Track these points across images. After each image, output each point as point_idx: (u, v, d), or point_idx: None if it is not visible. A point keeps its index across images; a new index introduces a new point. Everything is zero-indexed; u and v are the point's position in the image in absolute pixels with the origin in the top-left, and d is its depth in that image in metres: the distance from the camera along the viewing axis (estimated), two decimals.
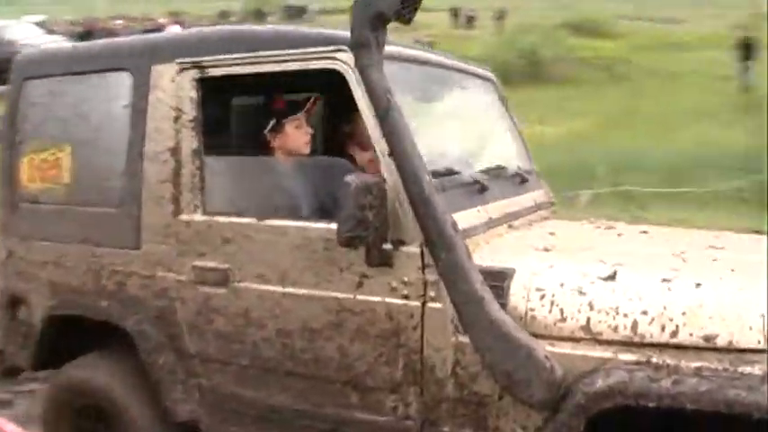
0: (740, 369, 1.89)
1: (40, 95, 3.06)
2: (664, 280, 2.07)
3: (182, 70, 2.67)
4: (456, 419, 2.26)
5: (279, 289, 2.45)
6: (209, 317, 2.60)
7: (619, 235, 2.80)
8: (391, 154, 2.23)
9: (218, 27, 2.86)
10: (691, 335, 1.96)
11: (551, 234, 2.70)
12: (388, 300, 2.30)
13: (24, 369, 3.20)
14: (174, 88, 2.67)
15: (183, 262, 2.63)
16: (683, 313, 1.99)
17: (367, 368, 2.35)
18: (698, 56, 22.67)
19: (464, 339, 2.17)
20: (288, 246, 2.42)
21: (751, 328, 1.92)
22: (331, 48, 2.39)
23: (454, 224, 2.14)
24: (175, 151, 2.65)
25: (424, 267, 2.23)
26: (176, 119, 2.66)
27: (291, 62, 2.47)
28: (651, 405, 1.92)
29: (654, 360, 1.99)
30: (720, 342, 1.94)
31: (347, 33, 2.30)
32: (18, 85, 3.14)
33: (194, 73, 2.64)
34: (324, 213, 2.58)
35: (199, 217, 2.61)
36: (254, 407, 2.58)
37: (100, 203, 2.83)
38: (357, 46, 2.27)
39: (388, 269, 2.27)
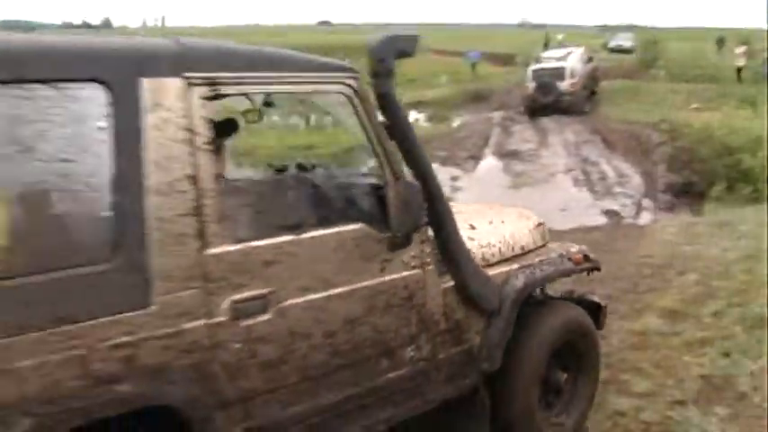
0: (525, 259, 3.61)
1: None
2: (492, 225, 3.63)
3: (190, 86, 2.37)
4: (445, 345, 3.15)
5: (321, 294, 2.65)
6: (253, 349, 2.47)
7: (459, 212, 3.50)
8: (408, 161, 2.94)
9: (230, 43, 2.68)
10: (519, 248, 3.63)
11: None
12: (404, 273, 2.94)
13: None
14: (183, 107, 2.34)
15: (216, 302, 2.38)
16: (509, 238, 3.60)
17: (393, 334, 2.92)
18: None
19: (446, 285, 3.15)
20: (326, 252, 2.67)
21: (530, 241, 3.74)
22: (343, 74, 2.78)
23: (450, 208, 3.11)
24: (194, 179, 2.34)
25: (423, 242, 2.99)
26: (190, 142, 2.34)
27: (306, 84, 2.74)
28: (539, 287, 3.78)
29: (524, 264, 3.55)
30: (527, 248, 3.68)
31: (349, 63, 2.85)
32: None
33: (205, 90, 2.41)
34: (345, 216, 2.93)
35: (229, 247, 2.41)
36: (302, 420, 2.65)
37: (73, 263, 2.12)
38: (382, 75, 2.87)
39: (402, 250, 2.91)
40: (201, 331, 2.34)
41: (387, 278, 2.87)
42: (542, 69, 23.00)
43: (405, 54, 2.91)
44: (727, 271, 6.49)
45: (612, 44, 47.55)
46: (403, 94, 30.58)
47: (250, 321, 2.46)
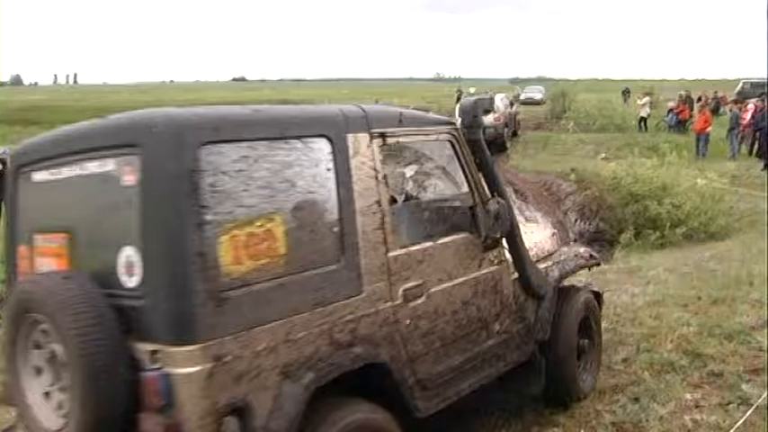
0: (551, 259, 4.86)
1: (231, 162, 2.74)
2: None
3: (372, 138, 3.42)
4: (515, 321, 4.27)
5: (449, 284, 3.73)
6: (416, 324, 3.50)
7: None
8: (491, 187, 4.06)
9: (387, 107, 4.17)
10: (546, 251, 4.86)
11: None
12: (491, 268, 4.08)
13: None
14: (370, 153, 3.38)
15: (395, 290, 3.41)
16: (540, 243, 4.85)
17: (487, 313, 4.02)
18: None
19: (514, 277, 4.27)
20: (449, 253, 3.78)
21: (551, 245, 5.03)
22: (450, 126, 3.98)
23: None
24: (379, 204, 3.37)
25: (500, 245, 4.14)
26: (376, 177, 3.39)
27: (433, 135, 3.93)
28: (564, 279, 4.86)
29: (549, 263, 4.77)
30: (550, 251, 4.94)
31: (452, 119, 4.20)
32: (191, 151, 2.59)
33: (380, 141, 3.48)
34: (456, 228, 3.94)
35: (400, 251, 3.47)
36: (440, 377, 3.65)
37: (320, 264, 3.07)
38: (474, 127, 4.04)
39: (490, 251, 4.05)
40: (389, 311, 3.35)
41: (483, 271, 4.01)
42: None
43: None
44: (636, 317, 6.66)
45: (524, 96, 49.24)
46: None
47: (413, 303, 3.50)
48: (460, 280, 3.82)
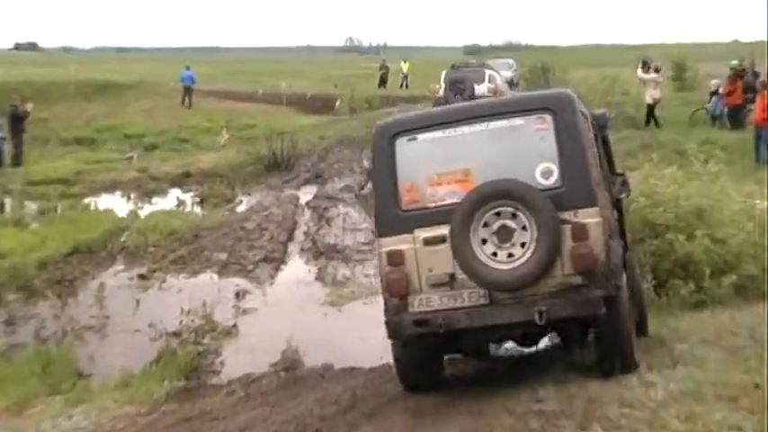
0: None
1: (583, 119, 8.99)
2: None
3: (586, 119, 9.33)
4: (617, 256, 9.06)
5: (609, 210, 9.78)
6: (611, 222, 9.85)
7: None
8: (611, 169, 10.92)
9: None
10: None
11: None
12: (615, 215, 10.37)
13: None
14: (582, 120, 8.94)
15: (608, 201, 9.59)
16: None
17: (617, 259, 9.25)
18: None
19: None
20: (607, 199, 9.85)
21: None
22: (604, 121, 10.67)
23: None
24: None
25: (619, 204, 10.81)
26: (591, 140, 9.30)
27: (592, 128, 10.04)
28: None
29: None
30: None
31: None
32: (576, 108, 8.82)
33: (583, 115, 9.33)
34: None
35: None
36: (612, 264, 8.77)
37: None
38: (605, 127, 10.65)
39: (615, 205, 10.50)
40: (610, 214, 9.82)
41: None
42: (459, 70, 33.37)
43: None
44: (656, 419, 6.62)
45: None
46: (156, 166, 30.54)
47: (607, 212, 9.55)
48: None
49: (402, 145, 8.72)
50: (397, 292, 8.59)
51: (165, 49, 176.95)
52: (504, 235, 8.26)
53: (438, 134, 8.69)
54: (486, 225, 8.26)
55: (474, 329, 8.55)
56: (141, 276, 17.36)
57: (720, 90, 29.29)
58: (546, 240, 8.12)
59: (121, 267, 18.16)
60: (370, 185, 24.64)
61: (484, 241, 8.25)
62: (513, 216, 8.27)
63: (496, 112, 8.68)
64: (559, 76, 37.81)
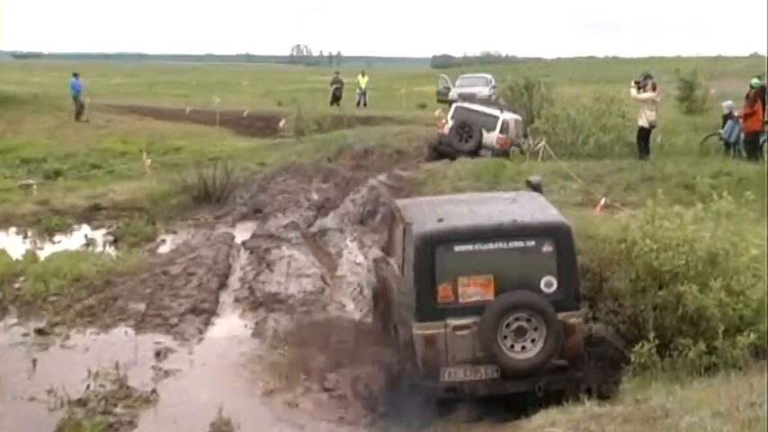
0: None
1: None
2: None
3: None
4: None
5: None
6: None
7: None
8: None
9: None
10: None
11: None
12: None
13: None
14: None
15: None
16: None
17: None
18: None
19: None
20: None
21: None
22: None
23: None
24: None
25: None
26: None
27: None
28: None
29: None
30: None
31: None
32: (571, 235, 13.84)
33: None
34: None
35: None
36: None
37: None
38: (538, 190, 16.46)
39: None
40: None
41: None
42: (470, 110, 33.90)
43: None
44: None
45: (456, 92, 50.33)
46: (61, 198, 30.09)
47: None
48: None
49: (443, 252, 13.32)
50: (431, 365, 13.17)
51: (74, 55, 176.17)
52: (521, 334, 13.07)
53: (469, 246, 13.36)
54: (507, 326, 13.04)
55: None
56: (39, 331, 16.88)
57: (736, 113, 29.31)
58: (553, 337, 12.96)
59: (15, 321, 17.71)
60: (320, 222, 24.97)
61: (505, 337, 13.05)
62: (528, 320, 13.04)
63: (514, 235, 13.42)
64: (545, 93, 37.95)
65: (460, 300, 13.28)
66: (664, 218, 14.92)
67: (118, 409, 13.45)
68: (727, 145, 29.29)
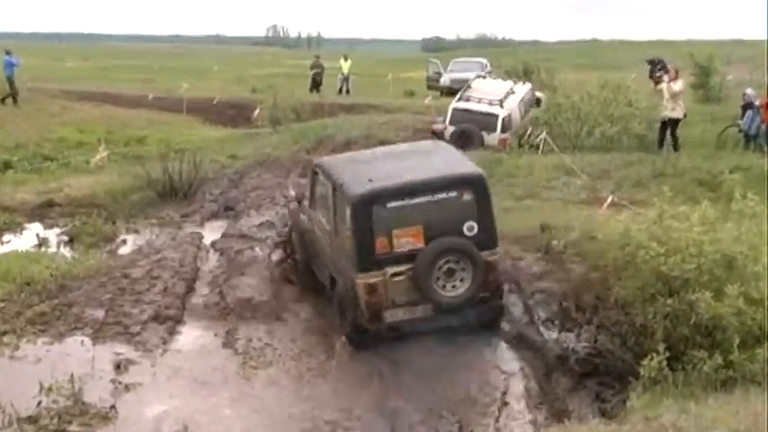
0: None
1: None
2: None
3: None
4: None
5: None
6: None
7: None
8: None
9: None
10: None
11: None
12: None
13: None
14: None
15: None
16: None
17: None
18: None
19: None
20: None
21: None
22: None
23: None
24: None
25: None
26: None
27: None
28: None
29: None
30: None
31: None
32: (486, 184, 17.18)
33: None
34: None
35: None
36: None
37: None
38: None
39: None
40: None
41: None
42: (468, 111, 34.66)
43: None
44: None
45: (447, 78, 50.38)
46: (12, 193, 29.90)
47: None
48: None
49: (378, 208, 16.26)
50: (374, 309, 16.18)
51: (23, 35, 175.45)
52: (450, 273, 16.22)
53: (399, 203, 16.36)
54: (439, 269, 16.15)
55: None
56: None
57: (757, 102, 29.44)
58: (479, 274, 16.18)
59: None
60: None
61: (437, 279, 16.17)
62: (457, 262, 16.19)
63: (437, 188, 16.52)
64: (546, 79, 38.01)
65: (395, 250, 16.32)
66: (673, 218, 14.96)
67: (72, 428, 13.40)
68: (747, 137, 29.37)
